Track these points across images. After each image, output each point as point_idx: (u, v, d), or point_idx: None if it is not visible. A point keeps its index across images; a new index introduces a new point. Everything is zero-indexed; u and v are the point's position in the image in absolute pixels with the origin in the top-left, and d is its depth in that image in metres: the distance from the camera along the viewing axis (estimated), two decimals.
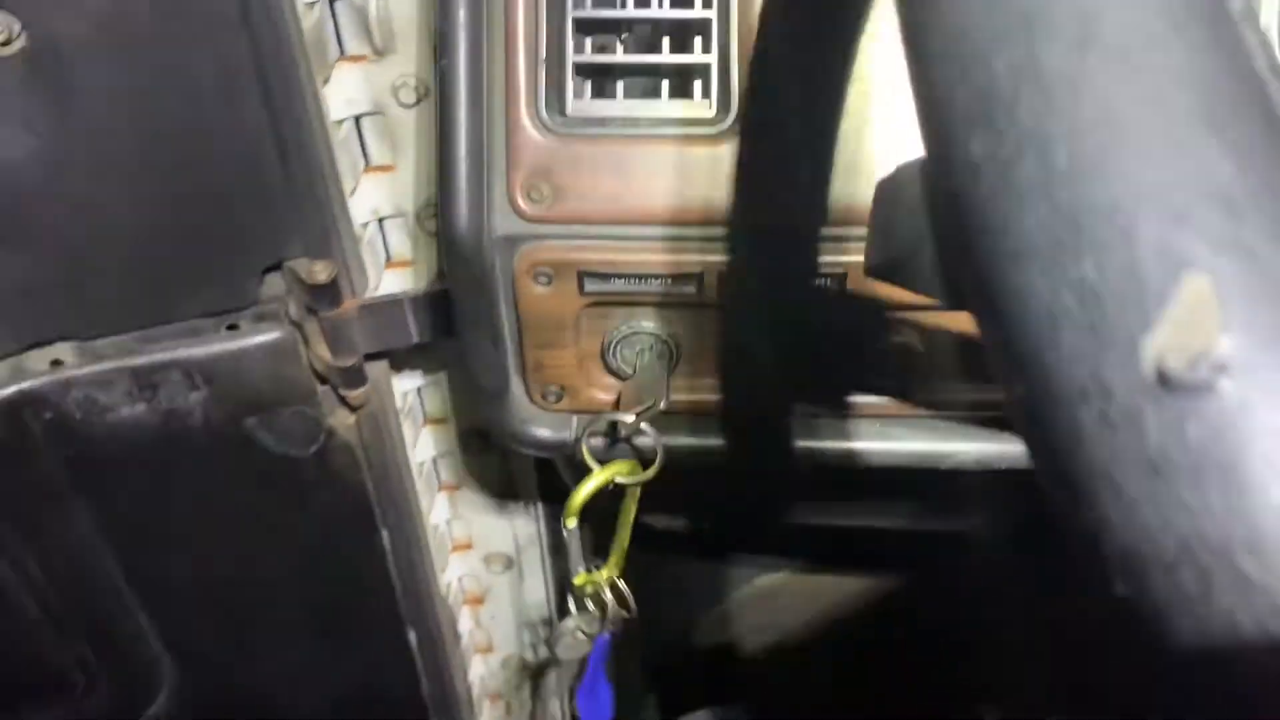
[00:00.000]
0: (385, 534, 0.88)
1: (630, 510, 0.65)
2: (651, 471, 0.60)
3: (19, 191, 0.63)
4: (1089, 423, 0.20)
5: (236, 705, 0.95)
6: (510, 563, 1.06)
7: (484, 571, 1.08)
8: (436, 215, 0.62)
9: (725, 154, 0.58)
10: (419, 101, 0.75)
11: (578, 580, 0.68)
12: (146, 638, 0.87)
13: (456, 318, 0.63)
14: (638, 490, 0.63)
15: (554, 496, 1.00)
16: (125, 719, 0.90)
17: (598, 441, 0.65)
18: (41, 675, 0.85)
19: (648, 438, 0.60)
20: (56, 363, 0.70)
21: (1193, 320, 0.19)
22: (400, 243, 0.82)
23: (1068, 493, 0.21)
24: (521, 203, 0.58)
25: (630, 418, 0.59)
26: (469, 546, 1.05)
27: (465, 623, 1.10)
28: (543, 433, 0.67)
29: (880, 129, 0.56)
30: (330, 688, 0.96)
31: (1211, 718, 0.20)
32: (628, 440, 0.63)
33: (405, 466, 0.89)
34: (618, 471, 0.61)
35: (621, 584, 0.65)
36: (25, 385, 0.69)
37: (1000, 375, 0.23)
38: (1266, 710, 0.19)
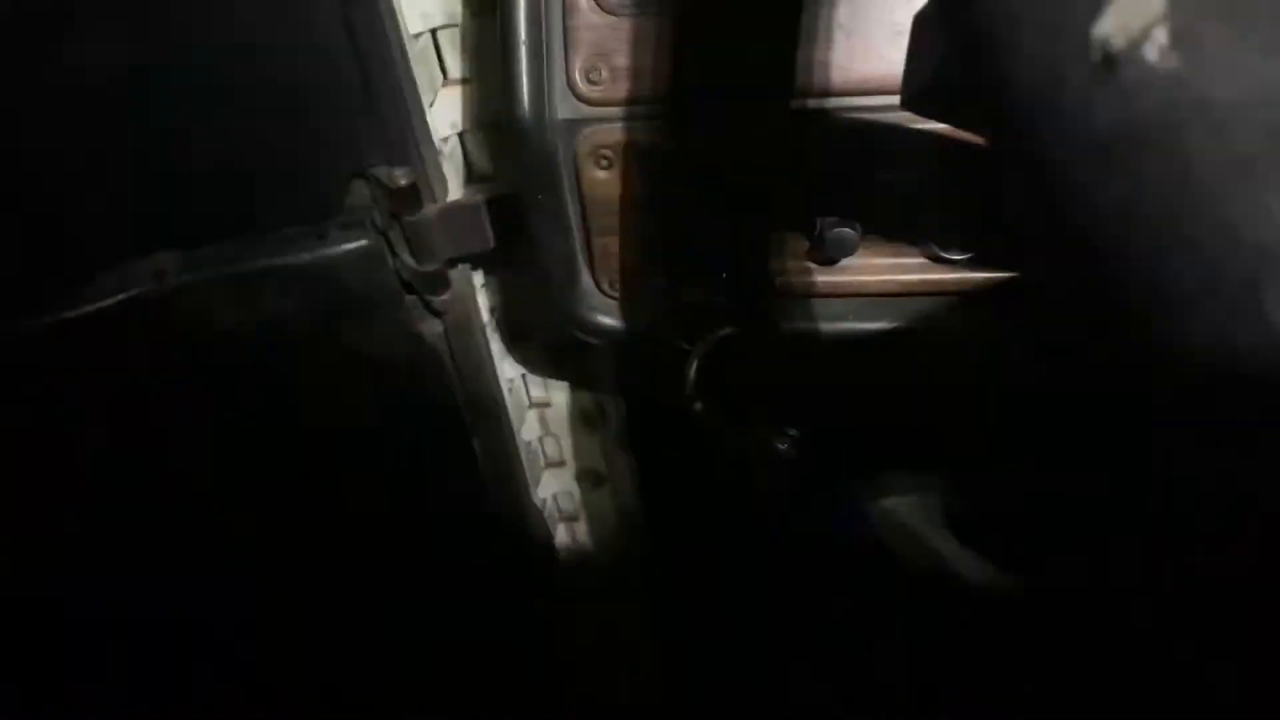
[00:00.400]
0: (476, 442, 0.91)
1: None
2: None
3: (115, 106, 0.67)
4: (1047, 116, 0.21)
5: (331, 608, 1.00)
6: (601, 479, 1.09)
7: (576, 488, 1.10)
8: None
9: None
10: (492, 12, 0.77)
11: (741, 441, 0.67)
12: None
13: (524, 209, 0.65)
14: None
15: (639, 410, 1.01)
16: None
17: (673, 325, 0.66)
18: None
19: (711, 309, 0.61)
20: (160, 272, 0.75)
21: (1135, 4, 0.20)
22: (482, 157, 0.85)
23: (1035, 191, 0.22)
24: (580, 85, 0.60)
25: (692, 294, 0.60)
26: (561, 463, 1.08)
27: (562, 538, 1.13)
28: (612, 322, 0.69)
29: None
30: (429, 589, 1.00)
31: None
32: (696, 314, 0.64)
33: (494, 376, 0.92)
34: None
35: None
36: (131, 293, 0.73)
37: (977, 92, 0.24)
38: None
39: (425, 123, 0.77)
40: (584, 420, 1.05)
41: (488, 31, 0.77)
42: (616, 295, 0.69)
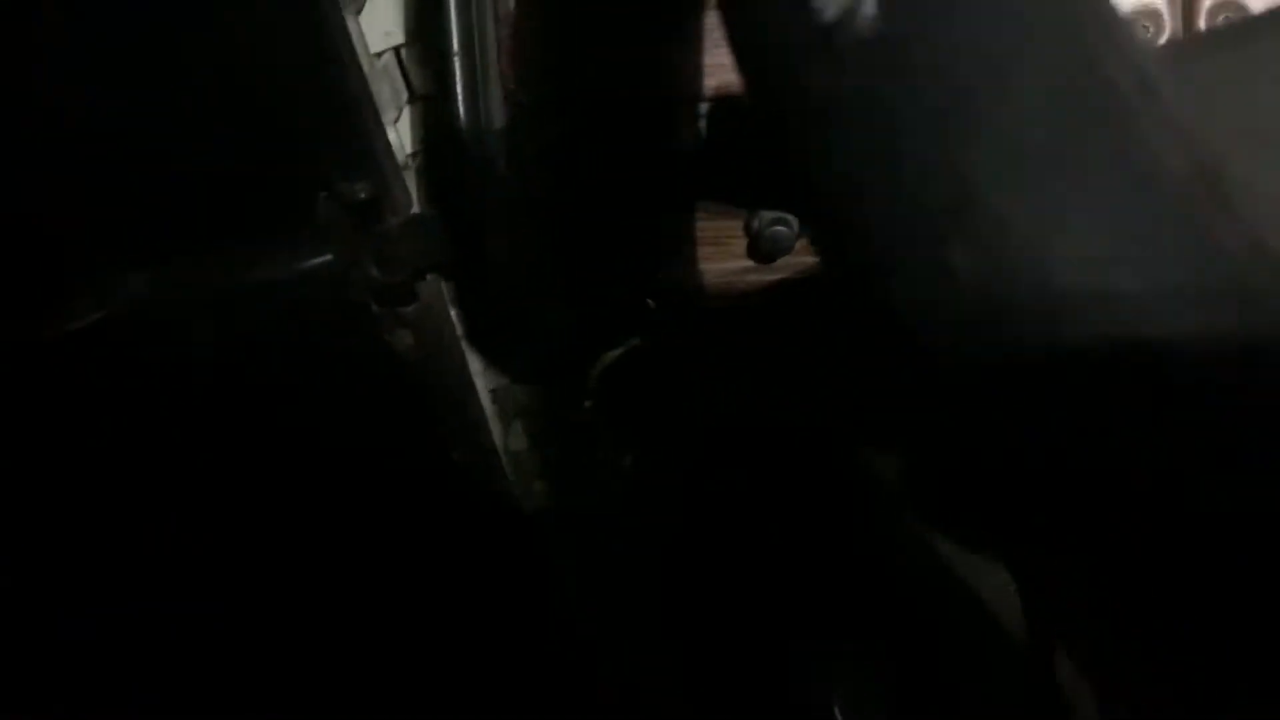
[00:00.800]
0: (455, 454, 0.92)
1: None
2: None
3: (84, 124, 0.70)
4: (776, 85, 0.22)
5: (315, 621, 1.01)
6: (588, 485, 1.10)
7: (566, 495, 1.11)
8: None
9: None
10: None
11: None
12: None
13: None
14: None
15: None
16: None
17: None
18: None
19: None
20: (135, 292, 0.77)
21: None
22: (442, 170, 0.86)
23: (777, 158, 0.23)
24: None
25: None
26: (551, 471, 1.09)
27: (553, 545, 1.14)
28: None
29: None
30: (413, 605, 1.01)
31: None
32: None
33: (470, 386, 0.93)
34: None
35: None
36: (106, 313, 0.76)
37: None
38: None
39: (386, 138, 0.79)
40: (570, 426, 1.06)
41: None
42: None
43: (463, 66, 0.60)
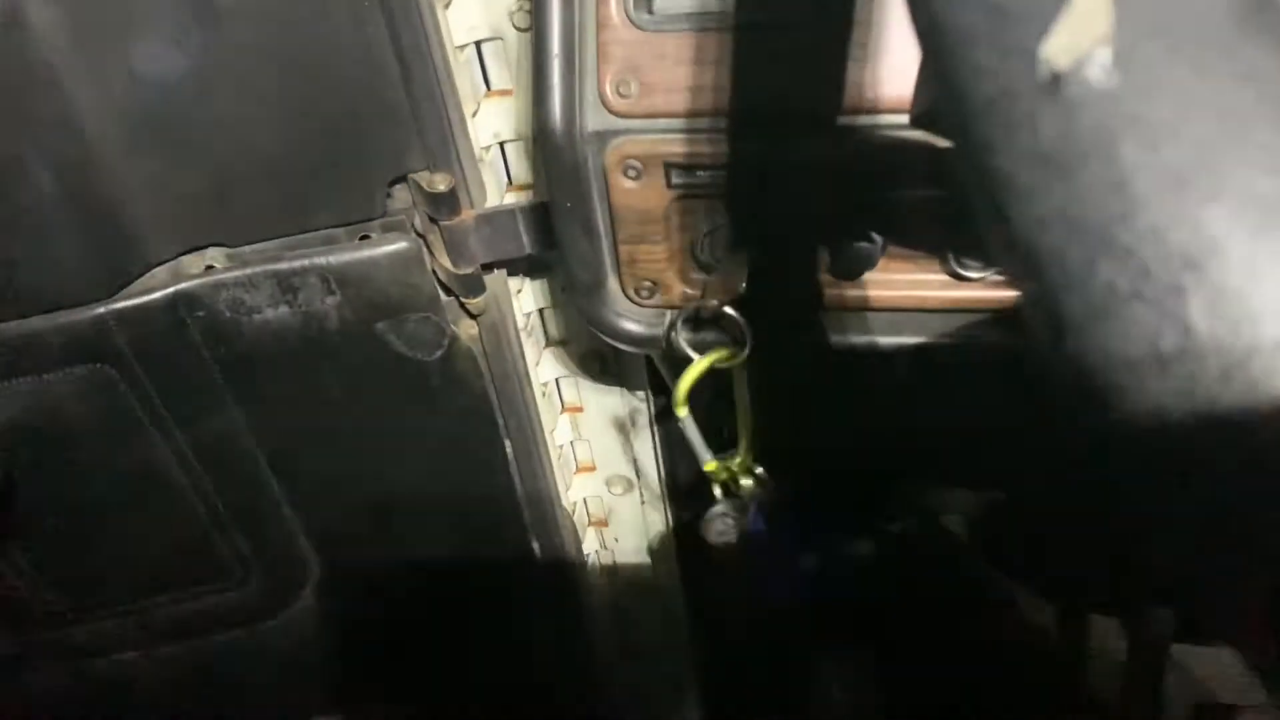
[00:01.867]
0: (508, 443, 0.93)
1: (743, 391, 0.68)
2: (745, 351, 0.63)
3: (173, 107, 0.70)
4: (997, 129, 0.23)
5: (373, 600, 1.03)
6: (630, 485, 1.11)
7: (606, 493, 1.12)
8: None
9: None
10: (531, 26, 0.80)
11: (709, 467, 0.71)
12: (295, 532, 0.95)
13: (553, 215, 0.68)
14: (744, 373, 0.66)
15: (668, 418, 1.03)
16: (275, 607, 0.99)
17: (688, 334, 0.68)
18: (204, 566, 0.94)
19: (734, 319, 0.63)
20: (209, 267, 0.78)
21: (1082, 25, 0.22)
22: (521, 166, 0.87)
23: (984, 201, 0.24)
24: (610, 98, 0.62)
25: (713, 302, 0.62)
26: (592, 468, 1.10)
27: (591, 543, 1.15)
28: (636, 328, 0.71)
29: None
30: (459, 587, 1.03)
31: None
32: (716, 323, 0.66)
33: (526, 379, 0.94)
34: (717, 358, 0.64)
35: (759, 469, 0.69)
36: (181, 286, 0.77)
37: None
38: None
39: (466, 131, 0.80)
40: (615, 426, 1.07)
41: (525, 45, 0.80)
42: (642, 302, 0.71)
43: (561, 69, 0.61)
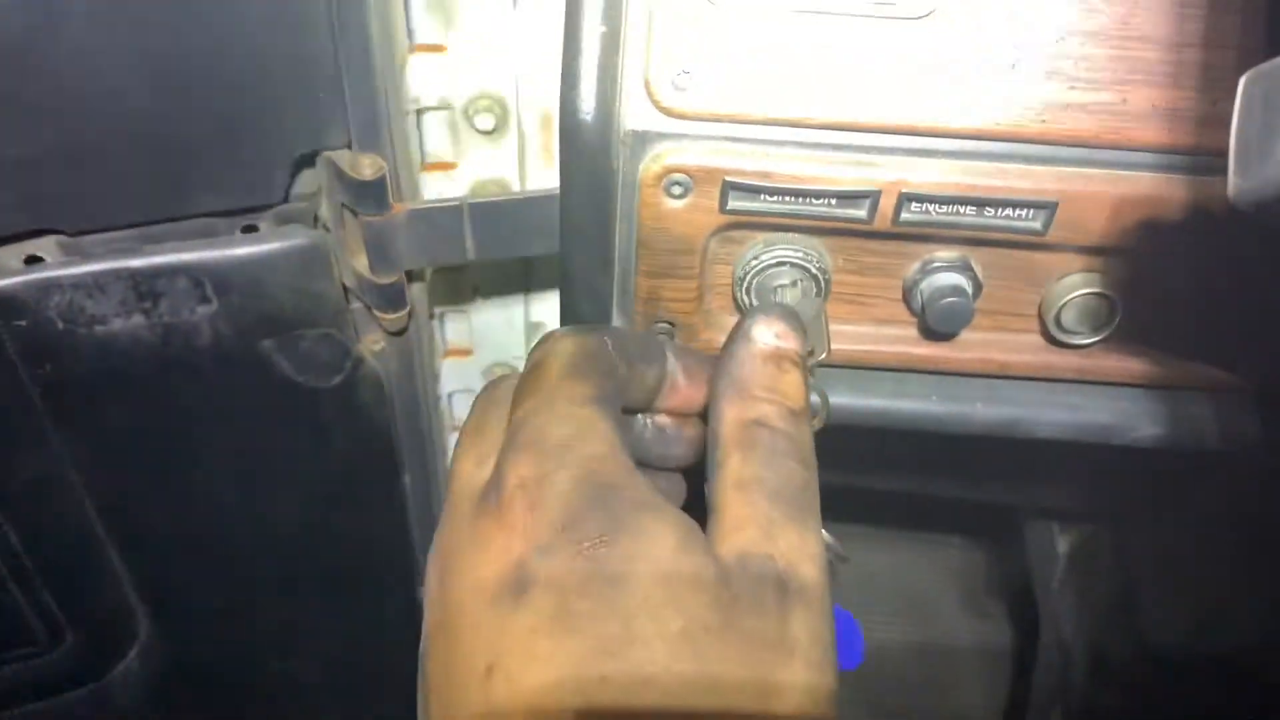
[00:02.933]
0: (407, 479, 0.76)
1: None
2: (820, 419, 0.48)
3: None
4: None
5: (217, 664, 0.83)
6: None
7: None
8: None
9: (922, 43, 0.46)
10: None
11: None
12: (120, 587, 0.74)
13: (564, 230, 0.51)
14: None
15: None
16: (91, 675, 0.78)
17: None
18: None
19: (812, 392, 0.50)
20: (34, 259, 0.57)
21: None
22: (440, 141, 0.69)
23: None
24: (662, 91, 0.46)
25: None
26: None
27: None
28: None
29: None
30: (325, 649, 0.85)
31: None
32: None
33: (434, 404, 0.77)
34: None
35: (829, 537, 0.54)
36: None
37: None
38: None
39: (400, 98, 0.62)
40: None
41: None
42: None
43: (603, 43, 0.44)
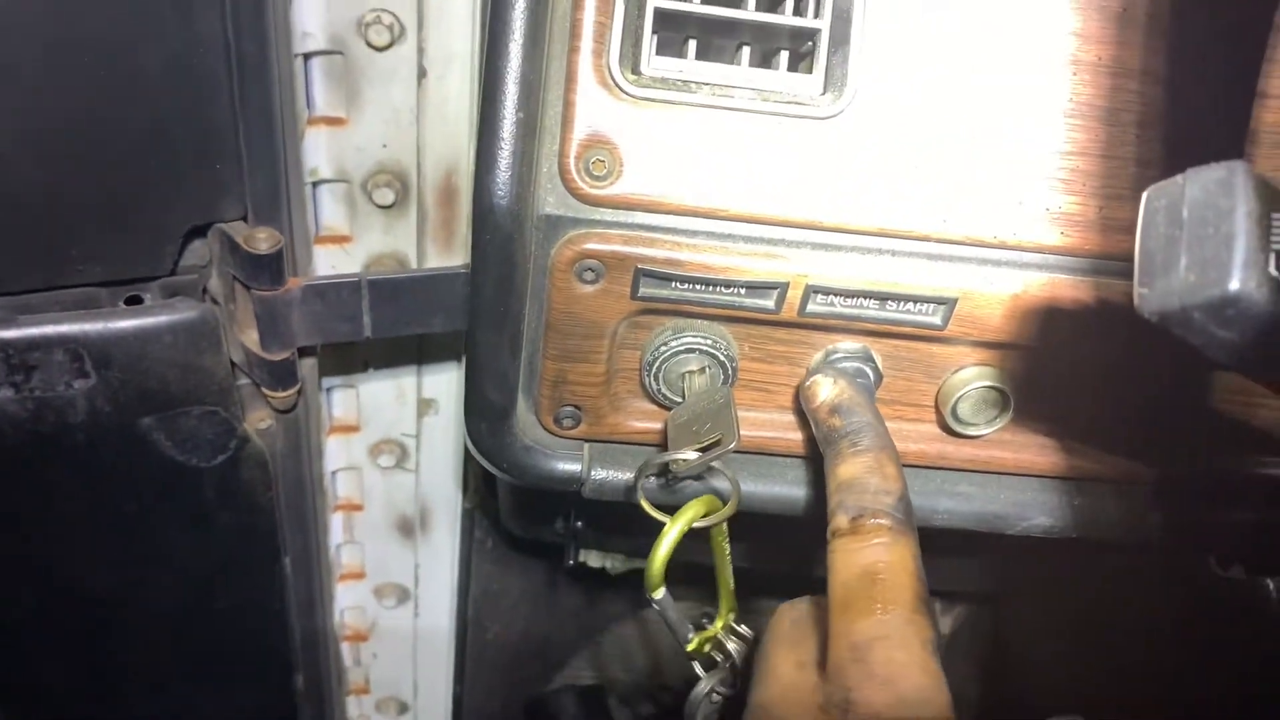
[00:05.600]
0: (288, 562, 0.73)
1: (724, 547, 0.52)
2: (728, 510, 0.48)
3: None
4: None
5: None
6: (406, 596, 0.92)
7: (373, 604, 0.93)
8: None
9: (830, 143, 0.47)
10: (391, 45, 0.62)
11: (693, 646, 0.54)
12: None
13: (473, 312, 0.50)
14: (724, 525, 0.51)
15: (474, 523, 0.87)
16: None
17: (652, 484, 0.53)
18: None
19: (723, 478, 0.49)
20: None
21: None
22: (336, 213, 0.68)
23: None
24: (577, 177, 0.46)
25: (693, 455, 0.47)
26: (360, 576, 0.91)
27: (348, 659, 0.95)
28: (549, 463, 0.55)
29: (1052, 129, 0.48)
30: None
31: None
32: (691, 479, 0.51)
33: (319, 484, 0.74)
34: (695, 515, 0.48)
35: (741, 626, 0.53)
36: None
37: None
38: None
39: (300, 170, 0.60)
40: (398, 528, 0.88)
41: (381, 68, 0.62)
42: (561, 432, 0.55)
43: (518, 130, 0.44)
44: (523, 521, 0.84)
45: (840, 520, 0.44)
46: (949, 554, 0.79)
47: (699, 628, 0.54)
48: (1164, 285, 0.31)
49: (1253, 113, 0.46)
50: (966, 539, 0.60)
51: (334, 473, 0.83)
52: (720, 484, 0.51)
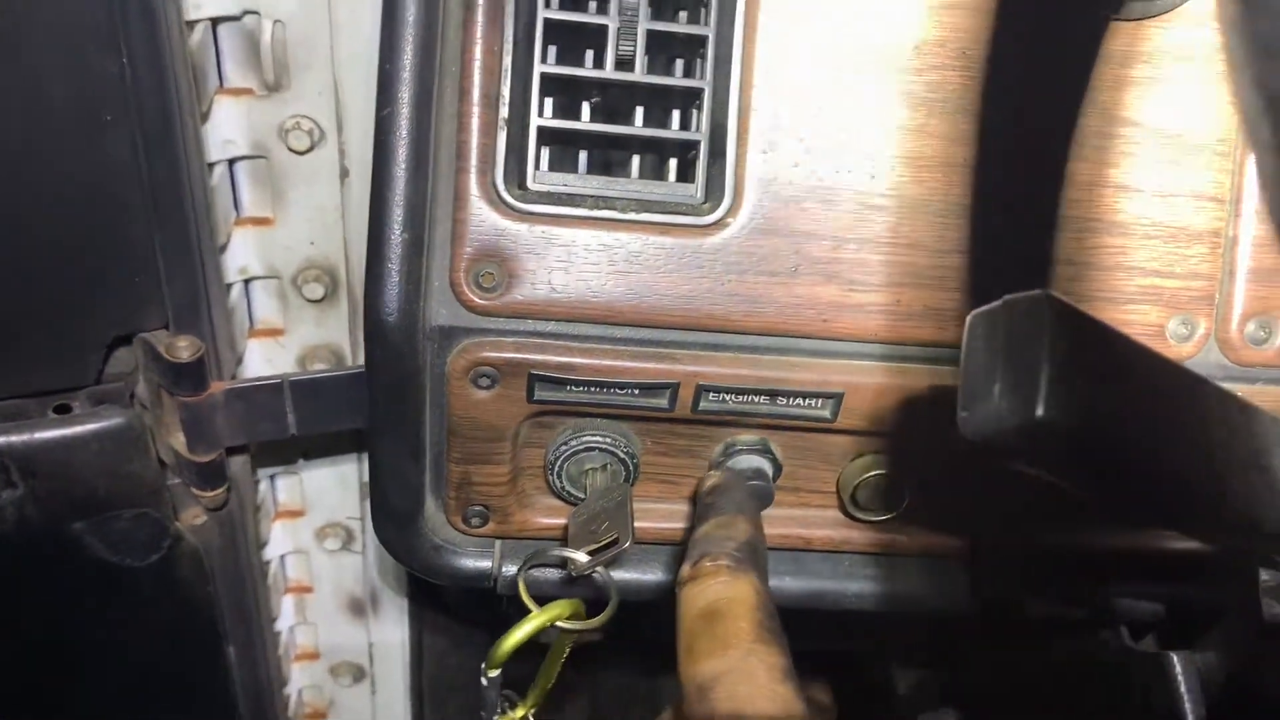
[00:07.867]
0: (231, 651, 0.74)
1: (562, 651, 0.54)
2: (602, 618, 0.50)
3: None
4: None
5: None
6: (361, 674, 0.93)
7: (330, 683, 0.94)
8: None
9: (713, 249, 0.49)
10: (312, 148, 0.64)
11: None
12: None
13: (371, 421, 0.52)
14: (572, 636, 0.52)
15: (423, 600, 0.88)
16: None
17: (538, 575, 0.54)
18: None
19: (602, 580, 0.51)
20: None
21: None
22: (268, 308, 0.70)
23: None
24: (467, 289, 0.48)
25: (583, 557, 0.49)
26: (315, 656, 0.92)
27: None
28: (460, 561, 0.56)
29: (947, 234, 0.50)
30: None
31: None
32: (577, 579, 0.53)
33: (260, 573, 0.75)
34: (558, 615, 0.50)
35: None
36: None
37: None
38: None
39: (220, 277, 0.62)
40: (349, 608, 0.89)
41: (303, 172, 0.64)
42: (470, 531, 0.56)
43: (405, 246, 0.46)
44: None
45: (684, 570, 0.45)
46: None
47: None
48: (983, 410, 0.32)
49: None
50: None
51: (283, 556, 0.84)
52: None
